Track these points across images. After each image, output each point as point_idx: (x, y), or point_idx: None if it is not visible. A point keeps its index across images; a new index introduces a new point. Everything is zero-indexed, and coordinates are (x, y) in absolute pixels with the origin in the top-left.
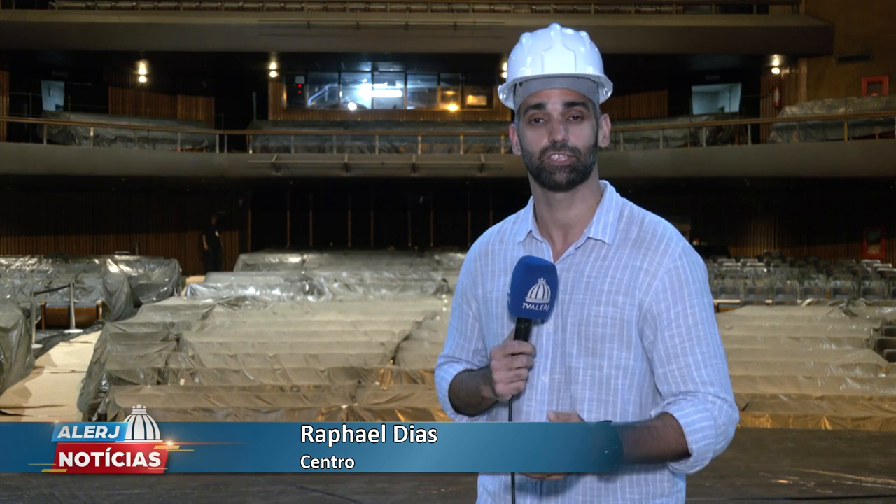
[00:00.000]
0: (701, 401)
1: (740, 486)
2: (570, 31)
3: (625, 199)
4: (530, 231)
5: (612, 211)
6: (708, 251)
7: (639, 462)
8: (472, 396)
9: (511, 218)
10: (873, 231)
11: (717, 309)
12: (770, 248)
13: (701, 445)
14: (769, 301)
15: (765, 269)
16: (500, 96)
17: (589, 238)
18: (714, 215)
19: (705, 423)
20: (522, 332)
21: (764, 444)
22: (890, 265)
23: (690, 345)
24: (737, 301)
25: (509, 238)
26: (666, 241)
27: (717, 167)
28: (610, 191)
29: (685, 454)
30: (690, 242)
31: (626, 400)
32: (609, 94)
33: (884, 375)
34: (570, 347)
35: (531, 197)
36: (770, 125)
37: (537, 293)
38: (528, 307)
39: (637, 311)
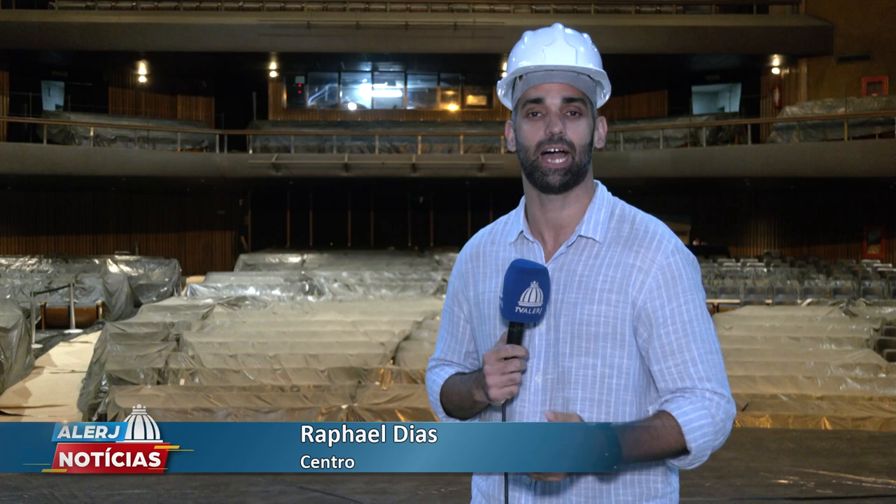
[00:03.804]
0: (698, 398)
1: (740, 486)
2: (571, 31)
3: (616, 198)
4: (521, 231)
5: (604, 209)
6: (708, 251)
7: (638, 461)
8: (465, 400)
9: (502, 219)
10: (873, 231)
11: (717, 309)
12: (770, 248)
13: (700, 444)
14: (769, 301)
15: (765, 269)
16: (499, 92)
17: (580, 236)
18: (714, 215)
19: (703, 420)
20: (515, 335)
21: (764, 444)
22: (890, 265)
23: (686, 341)
24: (737, 301)
25: (500, 239)
26: (658, 238)
27: (717, 167)
28: (601, 189)
29: (684, 451)
30: (690, 242)
31: (622, 399)
32: (607, 97)
33: (884, 375)
34: (564, 347)
35: (522, 197)
36: (770, 125)
37: (530, 297)
38: (521, 311)
39: (630, 309)
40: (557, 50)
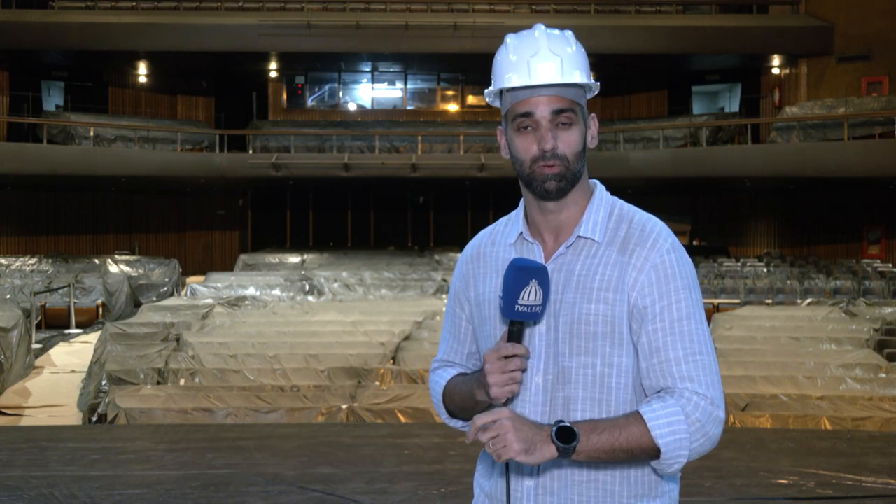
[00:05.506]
0: (675, 397)
1: (740, 486)
2: (555, 32)
3: (615, 198)
4: (521, 233)
5: (602, 209)
6: (708, 251)
7: (599, 450)
8: (467, 400)
9: (503, 220)
10: (873, 231)
11: (717, 309)
12: (770, 248)
13: (669, 440)
14: (769, 301)
15: (765, 269)
16: (486, 99)
17: (579, 237)
18: (714, 215)
19: (673, 417)
20: (515, 334)
21: (764, 444)
22: (890, 265)
23: (672, 339)
24: (737, 301)
25: (501, 240)
26: (655, 236)
27: (717, 167)
28: (600, 189)
29: (655, 449)
30: (690, 242)
31: (622, 399)
32: (596, 92)
33: (884, 375)
34: (563, 347)
35: (522, 199)
36: (770, 125)
37: (529, 295)
38: (520, 309)
39: (627, 307)
40: (543, 61)
